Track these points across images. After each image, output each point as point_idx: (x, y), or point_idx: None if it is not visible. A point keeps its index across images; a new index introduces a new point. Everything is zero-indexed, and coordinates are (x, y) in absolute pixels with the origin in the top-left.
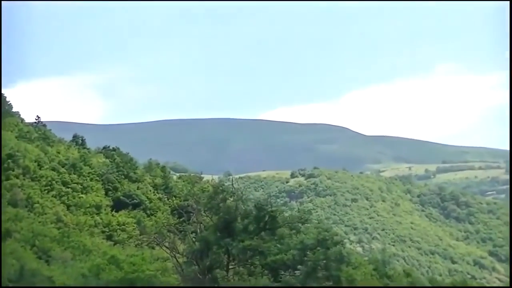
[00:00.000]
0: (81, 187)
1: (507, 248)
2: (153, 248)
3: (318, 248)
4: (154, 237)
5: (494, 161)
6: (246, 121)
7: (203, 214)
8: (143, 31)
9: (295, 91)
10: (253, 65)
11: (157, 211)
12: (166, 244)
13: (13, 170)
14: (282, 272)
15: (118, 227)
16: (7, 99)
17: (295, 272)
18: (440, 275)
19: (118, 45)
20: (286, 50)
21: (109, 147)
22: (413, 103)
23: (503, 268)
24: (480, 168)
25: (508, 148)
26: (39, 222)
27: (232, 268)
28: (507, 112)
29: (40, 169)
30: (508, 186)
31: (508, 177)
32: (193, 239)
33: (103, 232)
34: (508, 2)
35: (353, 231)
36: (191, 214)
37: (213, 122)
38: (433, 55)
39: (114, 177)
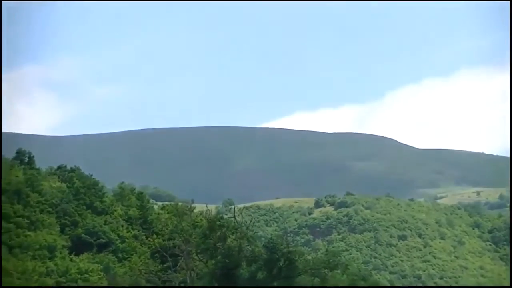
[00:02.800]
0: (28, 221)
1: None
2: None
3: None
4: None
5: None
6: (253, 130)
7: (195, 258)
8: (121, 16)
9: (319, 90)
10: (262, 59)
11: (132, 254)
12: None
13: None
14: None
15: (79, 276)
16: None
17: None
18: None
19: (79, 34)
20: (307, 39)
21: (65, 166)
22: (481, 106)
23: None
24: None
25: None
26: None
27: None
28: None
29: None
30: None
31: None
32: None
33: (58, 283)
34: (508, 2)
35: (401, 280)
36: (179, 257)
37: (207, 132)
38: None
39: (73, 208)
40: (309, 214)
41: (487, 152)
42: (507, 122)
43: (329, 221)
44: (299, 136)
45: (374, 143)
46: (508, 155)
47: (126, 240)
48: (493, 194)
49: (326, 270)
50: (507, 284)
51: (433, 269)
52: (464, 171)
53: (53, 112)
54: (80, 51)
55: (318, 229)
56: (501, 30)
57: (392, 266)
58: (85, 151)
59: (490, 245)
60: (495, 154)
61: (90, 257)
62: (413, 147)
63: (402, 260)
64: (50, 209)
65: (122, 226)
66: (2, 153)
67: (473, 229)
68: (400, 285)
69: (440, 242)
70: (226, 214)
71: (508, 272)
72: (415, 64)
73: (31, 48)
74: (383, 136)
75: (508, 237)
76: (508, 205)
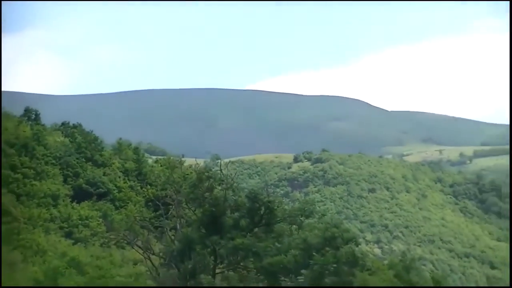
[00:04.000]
0: (34, 172)
1: None
2: (123, 248)
3: (326, 248)
4: (124, 234)
5: None
6: (238, 92)
7: (185, 206)
8: None
9: (298, 54)
10: (245, 23)
11: (128, 203)
12: (139, 243)
13: None
14: (282, 278)
15: (80, 222)
16: None
17: (298, 277)
18: (477, 283)
19: None
20: (289, 2)
21: (68, 123)
22: (446, 71)
23: None
24: None
25: None
26: None
27: (220, 273)
28: None
29: None
30: None
31: None
32: (172, 237)
33: (61, 228)
34: (508, 2)
35: (370, 229)
36: (170, 206)
37: (196, 93)
38: (470, 9)
39: (75, 161)
40: (288, 168)
41: (449, 114)
42: (468, 86)
43: (306, 175)
44: (280, 98)
45: (348, 105)
46: (466, 116)
47: (123, 190)
48: (454, 152)
49: (302, 217)
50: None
51: (399, 219)
52: (429, 132)
53: (57, 73)
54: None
55: (296, 182)
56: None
57: (362, 216)
58: (86, 109)
59: (450, 198)
60: (456, 116)
61: (90, 205)
62: (383, 109)
63: (371, 211)
64: (54, 161)
65: (119, 177)
66: (12, 111)
67: (436, 183)
68: (375, 244)
69: (405, 195)
70: (213, 168)
71: (467, 223)
72: (386, 31)
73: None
74: (356, 99)
75: (468, 191)
76: (468, 162)
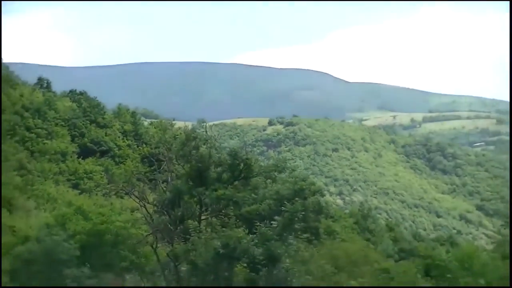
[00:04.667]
0: (46, 132)
1: (495, 202)
2: (122, 197)
3: (296, 198)
4: (123, 186)
5: (484, 111)
6: (221, 65)
7: (175, 162)
8: None
9: (272, 32)
10: (229, 5)
11: (126, 159)
12: (136, 193)
13: None
14: (258, 223)
15: (85, 175)
16: None
17: (271, 223)
18: (425, 230)
19: None
20: None
21: (76, 91)
22: (399, 47)
23: (490, 224)
24: (468, 118)
25: (500, 97)
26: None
27: (204, 219)
28: (500, 58)
29: (3, 113)
30: (499, 137)
31: (499, 128)
32: (164, 188)
33: (69, 180)
34: (508, 2)
35: (334, 183)
36: (162, 162)
37: (186, 66)
38: None
39: (81, 123)
40: (264, 131)
41: (402, 85)
42: (417, 61)
43: (279, 136)
44: (257, 70)
45: (315, 77)
46: (416, 87)
47: (122, 148)
48: (406, 118)
49: (275, 172)
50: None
51: (358, 175)
52: (384, 100)
53: (66, 47)
54: None
55: (270, 142)
56: None
57: (327, 172)
58: (91, 79)
59: (402, 157)
60: (408, 87)
61: (94, 161)
62: (345, 80)
63: (334, 167)
64: (63, 123)
65: (119, 137)
66: (27, 80)
67: (389, 144)
68: (338, 196)
69: (364, 154)
70: (199, 130)
71: (416, 178)
72: (349, 11)
73: None
74: (322, 72)
75: (417, 151)
76: (418, 126)
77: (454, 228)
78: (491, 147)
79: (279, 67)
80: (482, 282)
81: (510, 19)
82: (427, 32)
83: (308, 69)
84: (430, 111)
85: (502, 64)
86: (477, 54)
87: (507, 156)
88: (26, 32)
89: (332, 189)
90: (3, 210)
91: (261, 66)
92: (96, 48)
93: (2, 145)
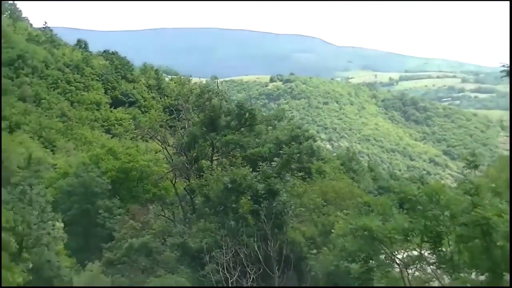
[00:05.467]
0: (83, 85)
1: (459, 148)
2: (146, 141)
3: (292, 143)
4: (147, 131)
5: (451, 72)
6: (231, 31)
7: (191, 112)
8: None
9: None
10: None
11: (150, 109)
12: (158, 137)
13: (22, 69)
14: (260, 163)
15: (116, 122)
16: (17, 6)
17: (272, 163)
18: (400, 171)
19: None
20: None
21: (109, 51)
22: (382, 14)
23: (455, 166)
24: (438, 77)
25: (464, 60)
26: (46, 116)
27: (215, 159)
28: (465, 25)
29: (47, 69)
30: (463, 93)
31: (463, 85)
32: (182, 133)
33: (102, 126)
34: (508, 2)
35: (324, 130)
36: (181, 112)
37: (202, 31)
38: None
39: (113, 78)
40: (266, 86)
41: (382, 49)
42: (395, 27)
43: (279, 91)
44: (261, 35)
45: (309, 41)
46: (394, 50)
47: (147, 99)
48: (385, 76)
49: (275, 121)
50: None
51: (345, 124)
52: (367, 61)
53: (100, 13)
54: None
55: (271, 96)
56: None
57: (319, 121)
58: (121, 41)
59: (382, 110)
60: (387, 50)
61: (123, 110)
62: (334, 44)
63: (325, 118)
64: (97, 78)
65: (144, 90)
66: (68, 42)
67: (371, 99)
68: (328, 141)
69: (349, 107)
70: (212, 85)
71: (393, 128)
72: None
73: None
74: (314, 37)
75: (394, 105)
76: (395, 84)
77: (424, 170)
78: (457, 102)
79: (277, 33)
80: (447, 213)
81: (510, 19)
82: (406, 2)
83: (302, 35)
84: (406, 71)
85: (466, 30)
86: (446, 22)
87: (470, 110)
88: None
89: (322, 136)
90: (47, 151)
91: (263, 32)
92: (127, 15)
93: (47, 96)
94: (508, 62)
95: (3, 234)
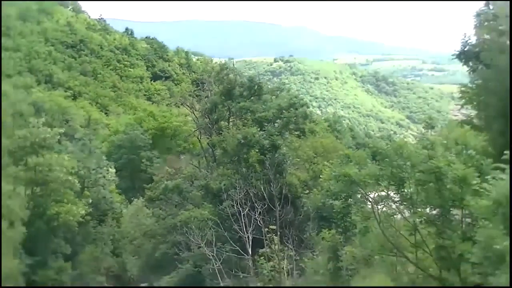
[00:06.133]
0: (130, 63)
1: (419, 114)
2: (178, 107)
3: (290, 109)
4: (179, 99)
5: (413, 55)
6: (245, 22)
7: (213, 84)
8: None
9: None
10: None
11: (181, 82)
12: (187, 104)
13: (83, 51)
14: (266, 124)
15: (155, 92)
16: (78, 2)
17: (274, 124)
18: (373, 131)
19: None
20: None
21: (149, 37)
22: (363, 9)
23: (415, 128)
24: (404, 59)
25: (423, 47)
26: (101, 87)
27: (231, 121)
28: (426, 17)
29: (101, 50)
30: (422, 72)
31: (422, 66)
32: (206, 101)
33: (144, 95)
34: (508, 2)
35: (315, 99)
36: (205, 84)
37: (222, 23)
38: None
39: (153, 58)
40: (270, 65)
41: (360, 38)
42: (375, 17)
43: (280, 69)
44: (268, 26)
45: (302, 31)
46: (372, 39)
47: (179, 75)
48: (363, 58)
49: (278, 92)
50: None
51: (331, 94)
52: (350, 47)
53: (142, 7)
54: None
55: (275, 73)
56: None
57: (311, 93)
58: (160, 29)
59: (360, 84)
60: (366, 40)
61: (161, 83)
62: (325, 34)
63: (316, 90)
64: (141, 58)
65: (177, 68)
66: (118, 29)
67: (352, 75)
68: (318, 108)
69: (335, 81)
70: (229, 64)
71: (368, 97)
72: None
73: None
74: (310, 28)
75: (369, 80)
76: (371, 64)
77: (391, 130)
78: (418, 78)
79: (281, 24)
80: (408, 163)
81: (510, 19)
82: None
83: (302, 26)
84: (381, 54)
85: (427, 21)
86: (410, 14)
87: (428, 84)
88: None
89: (314, 104)
90: (102, 114)
91: (270, 23)
92: (165, 7)
93: (102, 72)
94: (459, 49)
95: (70, 177)
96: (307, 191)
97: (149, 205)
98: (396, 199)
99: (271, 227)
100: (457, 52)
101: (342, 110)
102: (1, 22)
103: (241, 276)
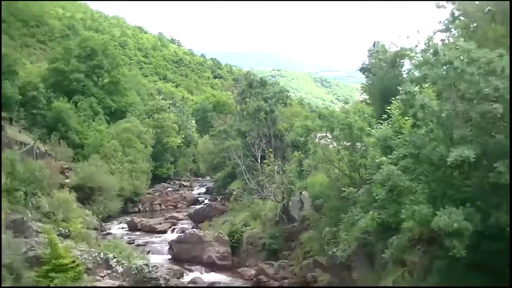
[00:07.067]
0: (204, 70)
1: (342, 97)
2: (226, 91)
3: (280, 92)
4: (226, 88)
5: (337, 69)
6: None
7: (242, 81)
8: None
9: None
10: None
11: (227, 79)
12: (230, 90)
13: (183, 67)
14: (268, 99)
15: (215, 84)
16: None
17: (272, 100)
18: (320, 105)
19: None
20: None
21: (213, 58)
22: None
23: (340, 104)
24: (329, 71)
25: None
26: (190, 81)
27: (251, 98)
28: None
29: (190, 64)
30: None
31: (343, 74)
32: (239, 89)
33: (210, 85)
34: (508, 2)
35: (290, 89)
36: (238, 81)
37: (250, 54)
38: None
39: (214, 68)
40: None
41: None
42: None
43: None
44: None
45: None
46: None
47: (226, 76)
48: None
49: (274, 84)
50: None
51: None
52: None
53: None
54: None
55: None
56: None
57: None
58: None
59: (313, 82)
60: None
61: (218, 80)
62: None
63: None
64: (208, 69)
65: (225, 74)
66: (197, 53)
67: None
68: (291, 91)
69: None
70: (250, 73)
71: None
72: None
73: None
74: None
75: (319, 80)
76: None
77: (329, 105)
78: (341, 80)
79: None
80: (336, 120)
81: (510, 19)
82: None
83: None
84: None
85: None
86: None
87: (347, 83)
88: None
89: (290, 91)
90: (189, 94)
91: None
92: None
93: (190, 74)
94: (360, 65)
95: (173, 124)
96: (287, 132)
97: (211, 138)
98: (330, 137)
99: (269, 150)
100: (360, 67)
101: (304, 95)
102: (1, 22)
103: (254, 173)
